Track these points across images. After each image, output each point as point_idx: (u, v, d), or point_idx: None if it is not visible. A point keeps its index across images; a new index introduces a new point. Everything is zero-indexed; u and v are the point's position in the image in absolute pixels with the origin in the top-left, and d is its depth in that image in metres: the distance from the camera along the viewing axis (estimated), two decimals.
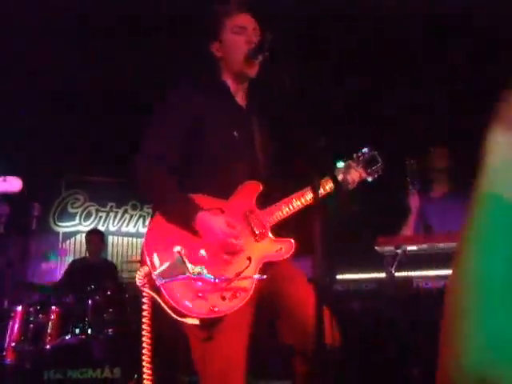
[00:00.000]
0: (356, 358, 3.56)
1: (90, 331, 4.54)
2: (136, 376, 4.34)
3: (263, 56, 2.30)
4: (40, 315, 4.53)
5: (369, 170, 2.65)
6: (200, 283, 2.07)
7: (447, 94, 5.50)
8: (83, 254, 7.37)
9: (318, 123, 2.17)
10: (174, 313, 2.03)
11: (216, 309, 2.05)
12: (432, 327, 3.47)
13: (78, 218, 8.20)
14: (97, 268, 6.03)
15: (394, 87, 5.48)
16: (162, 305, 2.04)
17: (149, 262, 2.08)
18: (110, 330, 4.60)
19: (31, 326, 4.49)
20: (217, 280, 2.08)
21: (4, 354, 4.44)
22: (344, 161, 2.61)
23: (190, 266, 2.07)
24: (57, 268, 7.64)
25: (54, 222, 8.04)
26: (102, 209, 8.34)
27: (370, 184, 2.69)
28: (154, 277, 2.04)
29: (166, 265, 2.07)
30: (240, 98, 2.48)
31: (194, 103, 2.33)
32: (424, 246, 3.56)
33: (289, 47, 2.19)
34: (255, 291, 2.18)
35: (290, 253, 2.24)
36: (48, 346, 4.42)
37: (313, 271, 1.85)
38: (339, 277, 3.81)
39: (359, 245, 4.12)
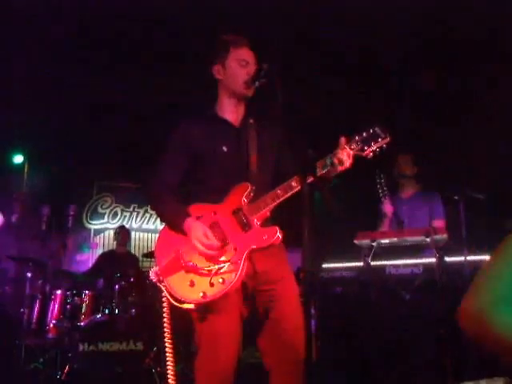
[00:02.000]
0: (339, 332, 3.58)
1: (116, 311, 4.56)
2: (155, 348, 4.38)
3: (259, 82, 2.32)
4: (76, 298, 4.53)
5: (365, 147, 2.23)
6: (192, 275, 2.17)
7: (409, 107, 5.44)
8: (111, 247, 7.39)
9: (305, 136, 2.20)
10: (174, 300, 2.18)
11: (206, 294, 2.12)
12: (401, 305, 3.51)
13: (106, 217, 8.20)
14: (122, 259, 6.02)
15: (360, 99, 5.33)
16: (166, 294, 2.20)
17: (156, 262, 2.26)
18: (133, 311, 4.61)
19: (68, 306, 4.51)
20: (204, 270, 2.15)
21: (47, 329, 4.48)
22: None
23: (184, 261, 2.19)
24: (89, 259, 7.67)
25: (87, 221, 8.06)
26: (127, 209, 8.34)
27: (350, 187, 2.43)
28: (159, 272, 2.21)
29: (166, 262, 2.23)
30: (236, 116, 2.45)
31: (192, 134, 2.39)
32: (394, 239, 3.61)
33: (280, 70, 2.19)
34: (247, 286, 2.23)
35: (274, 238, 2.14)
36: (82, 324, 4.44)
37: (302, 261, 1.86)
38: (325, 265, 3.83)
39: (342, 238, 4.13)
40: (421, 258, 3.53)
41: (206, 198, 2.31)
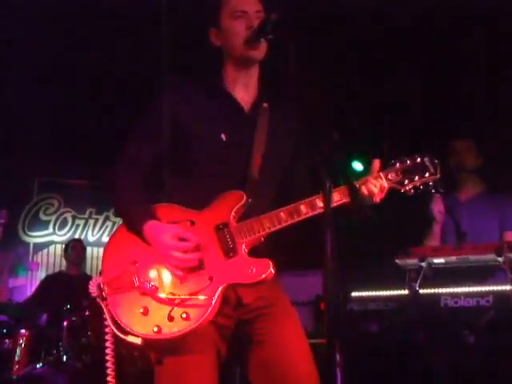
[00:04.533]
0: None
1: (65, 358, 4.54)
2: None
3: (266, 39, 2.31)
4: (6, 340, 4.54)
5: (406, 180, 2.33)
6: (148, 299, 2.19)
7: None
8: (58, 268, 7.38)
9: (330, 116, 2.17)
10: (117, 328, 2.18)
11: (159, 330, 2.13)
12: (461, 352, 3.47)
13: (51, 226, 8.25)
14: (74, 284, 6.01)
15: (406, 75, 5.48)
16: (107, 317, 2.20)
17: (102, 269, 2.28)
18: (88, 357, 4.59)
19: None
20: (165, 298, 2.18)
21: None
22: (366, 164, 2.43)
23: (140, 279, 2.21)
24: (27, 285, 7.67)
25: (24, 232, 8.09)
26: (80, 216, 8.40)
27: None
28: (103, 286, 2.21)
29: (116, 275, 2.24)
30: (245, 96, 2.47)
31: (182, 102, 2.40)
32: (453, 258, 3.60)
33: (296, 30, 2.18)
34: (226, 322, 2.26)
35: (265, 275, 2.19)
36: (15, 376, 4.42)
37: (323, 288, 1.82)
38: (354, 294, 3.81)
39: (378, 257, 4.12)
40: (490, 284, 3.52)
41: (184, 199, 2.32)
